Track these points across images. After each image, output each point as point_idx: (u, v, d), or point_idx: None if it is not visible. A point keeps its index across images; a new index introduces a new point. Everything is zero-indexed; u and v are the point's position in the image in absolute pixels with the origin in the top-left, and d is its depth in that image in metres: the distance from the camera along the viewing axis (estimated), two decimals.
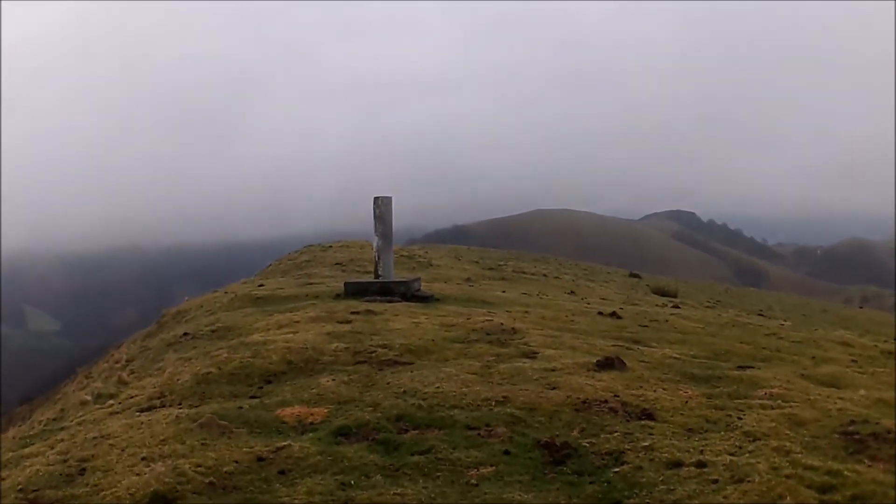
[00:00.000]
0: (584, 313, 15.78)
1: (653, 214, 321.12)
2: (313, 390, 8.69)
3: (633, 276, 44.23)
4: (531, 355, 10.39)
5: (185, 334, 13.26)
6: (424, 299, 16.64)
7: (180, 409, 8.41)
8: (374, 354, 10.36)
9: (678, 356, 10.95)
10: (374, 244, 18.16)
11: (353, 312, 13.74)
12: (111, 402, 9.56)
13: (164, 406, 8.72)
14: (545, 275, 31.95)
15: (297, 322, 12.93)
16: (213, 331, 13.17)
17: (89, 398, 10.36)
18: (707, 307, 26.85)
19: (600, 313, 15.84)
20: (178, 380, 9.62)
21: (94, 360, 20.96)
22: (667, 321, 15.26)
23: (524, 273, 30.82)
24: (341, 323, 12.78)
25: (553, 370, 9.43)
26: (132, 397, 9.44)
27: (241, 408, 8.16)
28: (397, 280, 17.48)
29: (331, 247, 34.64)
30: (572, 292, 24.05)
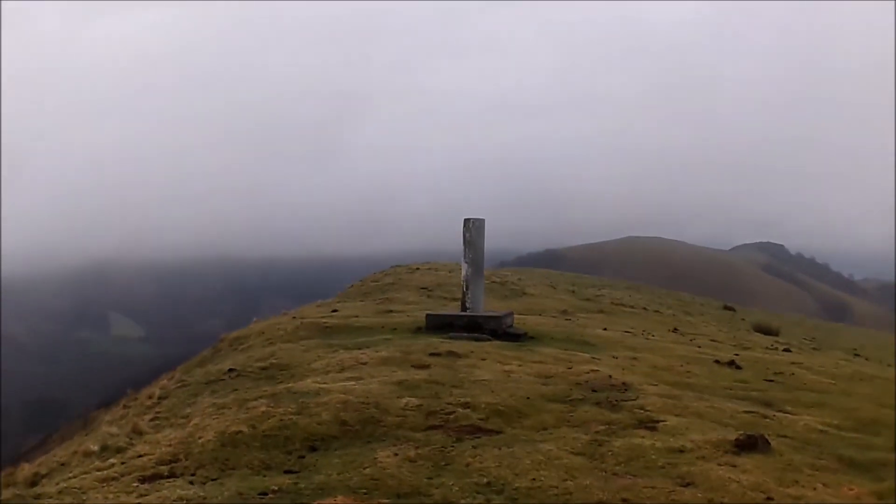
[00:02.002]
0: (698, 361, 13.50)
1: (742, 245, 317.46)
2: (367, 470, 6.58)
3: (727, 308, 43.12)
4: (650, 425, 8.16)
5: (231, 370, 11.27)
6: (517, 337, 14.45)
7: (192, 483, 6.41)
8: (452, 416, 8.22)
9: (823, 428, 8.69)
10: (463, 272, 16.00)
11: (432, 354, 11.59)
12: (114, 459, 7.54)
13: (173, 475, 6.76)
14: (645, 308, 29.57)
15: (364, 364, 10.84)
16: (263, 368, 11.17)
17: (95, 449, 8.37)
18: (813, 349, 24.58)
19: (717, 361, 13.54)
20: (200, 438, 7.59)
21: (173, 368, 19.07)
22: (793, 374, 12.93)
23: (622, 305, 28.48)
24: (417, 368, 10.64)
25: (681, 451, 7.21)
26: (141, 456, 7.41)
27: (265, 494, 6.07)
28: (487, 314, 15.27)
29: (418, 269, 32.65)
30: (675, 329, 21.70)
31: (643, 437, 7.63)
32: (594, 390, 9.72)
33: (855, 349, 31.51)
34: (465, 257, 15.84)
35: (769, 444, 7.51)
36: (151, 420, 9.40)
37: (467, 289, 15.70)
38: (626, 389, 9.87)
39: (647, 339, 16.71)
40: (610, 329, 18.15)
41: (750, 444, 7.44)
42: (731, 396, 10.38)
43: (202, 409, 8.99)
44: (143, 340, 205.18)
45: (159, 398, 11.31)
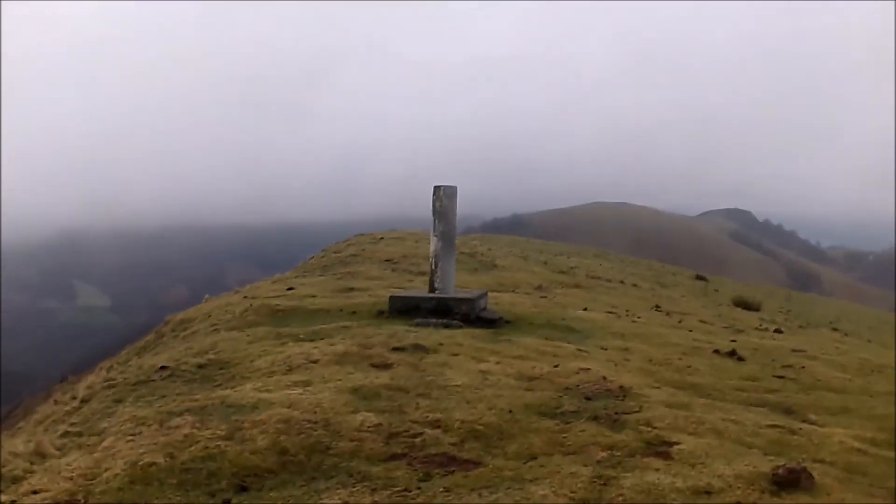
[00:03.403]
0: (695, 351, 12.00)
1: (710, 212, 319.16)
2: None
3: (699, 278, 42.56)
4: (662, 450, 6.63)
5: (163, 368, 9.61)
6: (492, 323, 12.88)
7: None
8: (418, 440, 6.64)
9: (860, 446, 7.22)
10: (432, 246, 14.18)
11: (395, 349, 9.96)
12: (5, 497, 5.93)
13: None
14: (622, 281, 28.04)
15: (316, 362, 9.21)
16: (200, 366, 9.53)
17: None
18: (800, 326, 23.42)
19: (716, 352, 12.05)
20: (106, 470, 5.97)
21: (138, 338, 17.51)
22: (803, 368, 11.46)
23: (598, 279, 26.97)
24: (377, 368, 9.04)
25: (708, 492, 5.70)
26: (35, 492, 5.79)
27: None
28: (458, 296, 13.58)
29: (382, 238, 30.86)
30: (658, 307, 20.24)
31: (657, 469, 6.09)
32: (588, 398, 8.19)
33: (832, 322, 30.83)
34: (434, 229, 14.07)
35: (812, 478, 6.01)
36: (62, 436, 7.75)
37: (436, 266, 13.96)
38: (624, 396, 8.35)
39: (634, 321, 15.18)
40: (591, 309, 16.63)
41: (791, 480, 5.93)
42: (746, 402, 8.88)
43: (119, 425, 7.37)
44: (109, 310, 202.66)
45: (81, 401, 9.61)
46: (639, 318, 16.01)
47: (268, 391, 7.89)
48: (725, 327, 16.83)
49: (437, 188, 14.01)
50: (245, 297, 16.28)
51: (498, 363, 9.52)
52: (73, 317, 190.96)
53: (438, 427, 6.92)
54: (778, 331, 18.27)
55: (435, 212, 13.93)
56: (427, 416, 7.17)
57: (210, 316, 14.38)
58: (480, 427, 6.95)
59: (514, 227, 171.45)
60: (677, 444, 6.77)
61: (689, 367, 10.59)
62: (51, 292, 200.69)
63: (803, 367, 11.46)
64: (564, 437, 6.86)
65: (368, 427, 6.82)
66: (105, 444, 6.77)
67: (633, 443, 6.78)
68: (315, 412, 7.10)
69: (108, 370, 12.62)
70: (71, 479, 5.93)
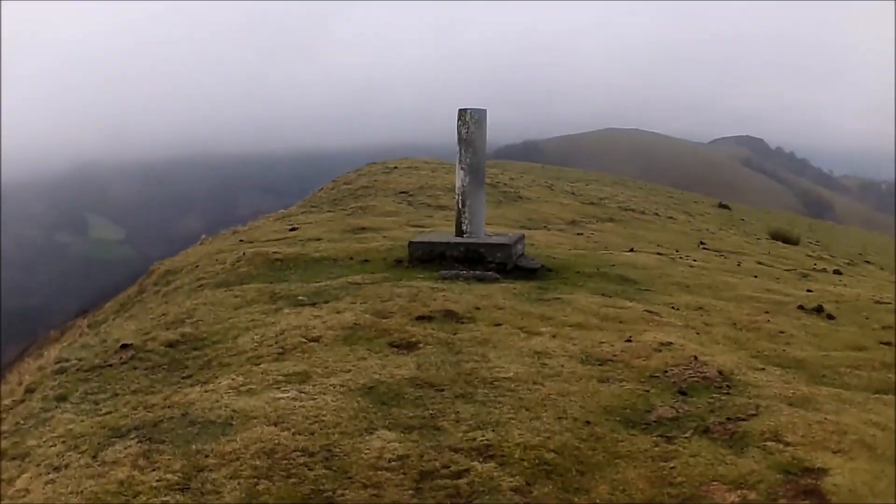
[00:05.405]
0: (778, 308, 9.77)
1: (721, 139, 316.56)
2: None
3: (722, 206, 40.26)
4: (810, 486, 4.53)
5: (125, 346, 7.51)
6: (532, 273, 10.68)
7: None
8: (464, 481, 4.53)
9: None
10: (458, 181, 11.72)
11: (420, 318, 7.82)
12: None
13: None
14: (656, 213, 25.82)
15: (317, 340, 7.09)
16: (170, 344, 7.44)
17: None
18: (848, 264, 21.22)
19: (801, 308, 9.88)
20: None
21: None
22: None
23: (631, 210, 24.71)
24: (398, 349, 6.90)
25: None
26: None
27: None
28: (491, 241, 11.25)
29: (395, 168, 28.56)
30: (703, 244, 18.12)
31: None
32: (682, 392, 6.06)
33: (861, 254, 28.90)
34: (460, 161, 11.60)
35: None
36: None
37: (463, 205, 11.54)
38: (728, 386, 6.21)
39: (691, 266, 13.02)
40: (638, 249, 14.50)
41: None
42: (870, 387, 6.64)
43: (48, 445, 5.32)
44: (122, 243, 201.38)
45: (26, 390, 7.47)
46: (695, 261, 13.84)
47: (249, 392, 5.80)
48: (787, 270, 14.65)
49: (462, 112, 11.66)
50: (241, 240, 14.18)
51: (554, 336, 7.36)
52: (87, 250, 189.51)
53: (491, 457, 4.79)
54: (837, 272, 16.20)
55: (461, 140, 11.58)
56: (474, 438, 5.04)
57: (197, 266, 12.32)
58: (551, 455, 4.84)
59: (527, 153, 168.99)
60: (825, 472, 4.68)
61: (782, 332, 8.43)
62: (65, 226, 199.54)
63: None
64: (672, 469, 4.75)
65: (390, 460, 4.71)
66: (19, 483, 4.74)
67: (766, 473, 4.68)
68: (313, 433, 5.01)
69: (68, 342, 10.51)
70: None
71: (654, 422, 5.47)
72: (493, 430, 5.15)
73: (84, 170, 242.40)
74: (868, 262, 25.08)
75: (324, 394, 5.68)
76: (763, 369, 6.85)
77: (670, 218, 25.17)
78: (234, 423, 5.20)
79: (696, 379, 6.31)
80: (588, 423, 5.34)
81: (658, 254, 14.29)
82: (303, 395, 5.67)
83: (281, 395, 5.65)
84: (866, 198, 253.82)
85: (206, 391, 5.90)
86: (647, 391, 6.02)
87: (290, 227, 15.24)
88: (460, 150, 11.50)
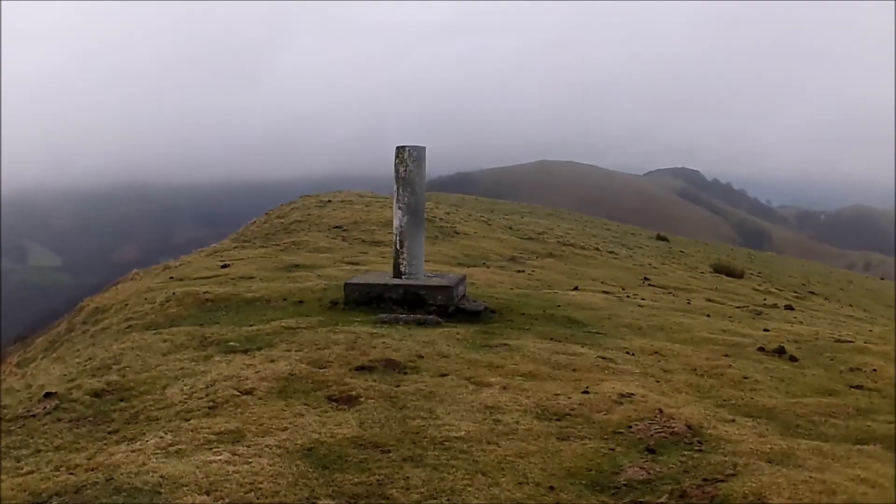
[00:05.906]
0: (737, 351, 9.38)
1: (657, 171, 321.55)
2: None
3: (660, 238, 40.06)
4: None
5: (49, 395, 6.90)
6: (475, 315, 10.21)
7: None
8: None
9: None
10: (396, 221, 11.16)
11: (359, 368, 7.29)
12: None
13: None
14: (597, 248, 25.46)
15: (250, 393, 6.53)
16: (96, 393, 6.84)
17: None
18: (796, 296, 21.40)
19: (762, 350, 9.49)
20: None
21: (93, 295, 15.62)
22: (874, 370, 8.87)
23: (571, 245, 24.30)
24: (337, 403, 6.35)
25: None
26: None
27: None
28: (432, 283, 10.70)
29: (329, 201, 27.91)
30: (647, 280, 17.81)
31: None
32: (650, 450, 5.60)
33: (804, 284, 29.42)
34: (398, 200, 11.07)
35: None
36: None
37: (402, 245, 11.01)
38: (699, 442, 5.78)
39: (640, 305, 12.62)
40: (582, 288, 14.12)
41: None
42: (848, 437, 6.30)
43: None
44: (60, 270, 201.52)
45: None
46: (643, 300, 13.46)
47: (178, 454, 5.23)
48: (738, 308, 14.31)
49: (400, 149, 11.01)
50: (172, 277, 13.57)
51: (505, 388, 6.86)
52: (25, 277, 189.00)
53: None
54: (789, 307, 15.91)
55: (399, 179, 10.99)
56: None
57: (126, 305, 11.71)
58: None
59: (460, 184, 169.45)
60: None
61: (746, 378, 8.04)
62: (4, 254, 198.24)
63: (874, 370, 8.95)
64: None
65: None
66: None
67: None
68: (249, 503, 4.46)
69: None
70: None
71: (624, 485, 5.01)
72: (448, 499, 4.65)
73: (23, 196, 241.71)
74: (812, 292, 25.15)
75: (259, 456, 5.14)
76: (733, 420, 6.43)
77: (611, 252, 24.84)
78: (162, 490, 4.64)
79: (663, 434, 5.87)
80: (552, 488, 4.87)
81: (604, 292, 13.93)
82: (236, 457, 5.12)
83: (213, 458, 5.09)
84: (804, 228, 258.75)
85: (132, 450, 5.33)
86: (613, 449, 5.56)
87: (222, 263, 14.65)
88: (398, 189, 10.99)
